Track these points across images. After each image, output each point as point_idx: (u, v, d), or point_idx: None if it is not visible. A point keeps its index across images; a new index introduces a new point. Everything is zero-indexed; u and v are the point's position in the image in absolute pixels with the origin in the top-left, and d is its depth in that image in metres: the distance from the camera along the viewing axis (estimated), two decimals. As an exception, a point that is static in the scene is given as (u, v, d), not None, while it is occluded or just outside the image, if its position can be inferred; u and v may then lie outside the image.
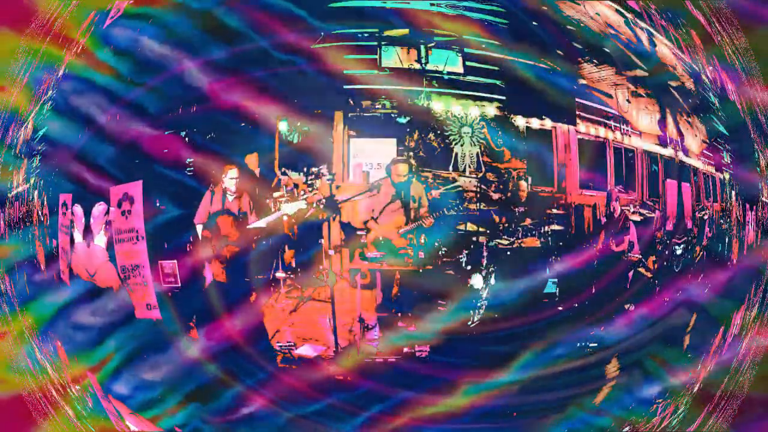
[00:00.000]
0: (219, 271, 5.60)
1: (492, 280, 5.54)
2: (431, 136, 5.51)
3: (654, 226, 5.84)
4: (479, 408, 5.77)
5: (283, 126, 5.49)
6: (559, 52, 5.73)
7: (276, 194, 5.51)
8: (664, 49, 6.17)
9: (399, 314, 5.56)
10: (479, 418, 5.82)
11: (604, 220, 5.71)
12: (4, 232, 6.01)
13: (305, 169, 5.49)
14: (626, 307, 5.82)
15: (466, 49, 5.58)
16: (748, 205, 6.12)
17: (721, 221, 6.06)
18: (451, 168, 5.50)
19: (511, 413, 5.83)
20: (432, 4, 5.61)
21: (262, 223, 5.50)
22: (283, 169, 5.51)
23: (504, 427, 5.88)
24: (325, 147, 5.48)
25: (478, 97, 5.54)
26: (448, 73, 5.55)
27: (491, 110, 5.54)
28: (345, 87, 5.50)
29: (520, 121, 5.57)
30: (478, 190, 5.52)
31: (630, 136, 5.82)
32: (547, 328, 5.69)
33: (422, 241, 5.50)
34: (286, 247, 5.53)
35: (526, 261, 5.58)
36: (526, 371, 5.72)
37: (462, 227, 5.52)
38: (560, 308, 5.69)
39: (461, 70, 5.56)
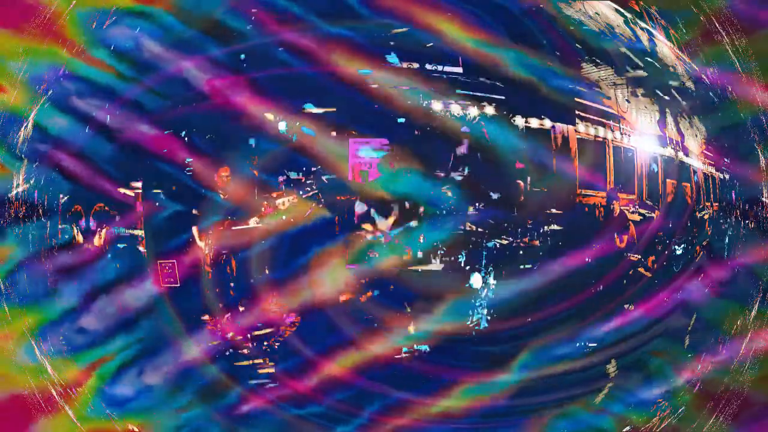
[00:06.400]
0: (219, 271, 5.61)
1: (491, 280, 5.54)
2: (430, 135, 5.51)
3: (654, 226, 5.84)
4: (479, 408, 5.77)
5: (282, 126, 5.50)
6: (559, 51, 5.73)
7: (276, 194, 5.52)
8: (664, 49, 6.16)
9: (398, 314, 5.56)
10: (479, 418, 5.82)
11: (603, 220, 5.71)
12: (5, 232, 6.01)
13: (303, 169, 5.49)
14: (626, 307, 5.81)
15: (465, 49, 5.58)
16: (748, 205, 6.12)
17: (721, 221, 6.05)
18: (450, 167, 5.50)
19: (510, 413, 5.83)
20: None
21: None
22: (282, 170, 5.52)
23: (504, 427, 5.88)
24: (323, 147, 5.48)
25: (477, 96, 5.54)
26: (447, 73, 5.55)
27: (490, 110, 5.55)
28: (344, 87, 5.50)
29: (519, 121, 5.57)
30: (477, 189, 5.52)
31: (629, 135, 5.82)
32: (546, 328, 5.69)
33: (421, 240, 5.50)
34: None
35: (525, 261, 5.58)
36: (526, 371, 5.72)
37: (461, 227, 5.52)
38: (560, 308, 5.69)
39: (460, 70, 5.56)
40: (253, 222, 5.53)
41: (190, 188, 5.59)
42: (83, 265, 5.81)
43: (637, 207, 5.79)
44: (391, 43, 5.55)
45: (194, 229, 5.59)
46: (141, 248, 5.68)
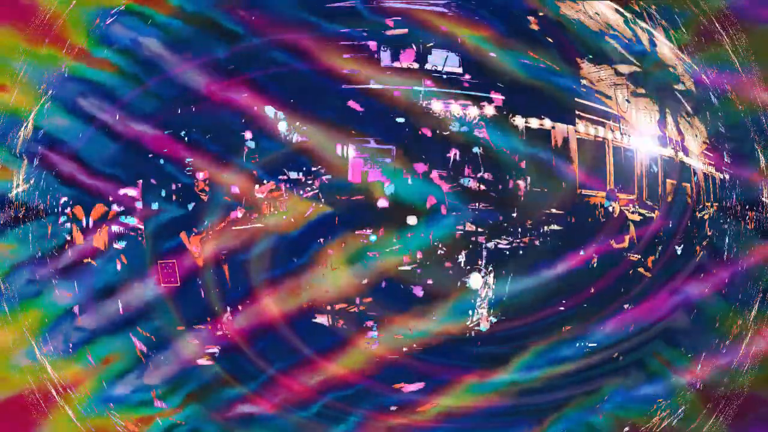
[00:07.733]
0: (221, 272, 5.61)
1: (490, 280, 5.54)
2: (429, 135, 5.51)
3: (654, 226, 5.84)
4: (479, 408, 5.78)
5: (282, 126, 5.50)
6: (559, 51, 5.73)
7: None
8: (664, 49, 6.17)
9: (397, 314, 5.56)
10: (479, 419, 5.82)
11: (603, 220, 5.71)
12: (4, 232, 6.01)
13: (304, 169, 5.49)
14: (626, 307, 5.81)
15: (464, 49, 5.59)
16: (748, 206, 6.12)
17: (721, 221, 6.05)
18: (449, 167, 5.51)
19: (510, 413, 5.83)
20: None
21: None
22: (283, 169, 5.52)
23: (504, 427, 5.88)
24: (323, 146, 5.49)
25: (476, 96, 5.54)
26: (447, 73, 5.56)
27: (490, 110, 5.55)
28: (343, 87, 5.51)
29: (519, 121, 5.57)
30: (477, 189, 5.52)
31: (629, 136, 5.82)
32: (546, 328, 5.69)
33: (420, 240, 5.50)
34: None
35: (524, 261, 5.58)
36: (526, 371, 5.72)
37: (461, 227, 5.52)
38: (560, 308, 5.68)
39: (460, 70, 5.56)
40: (252, 222, 5.53)
41: (190, 188, 5.59)
42: (83, 265, 5.81)
43: (637, 207, 5.79)
44: (391, 42, 5.56)
45: (182, 235, 5.59)
46: (141, 248, 5.68)
